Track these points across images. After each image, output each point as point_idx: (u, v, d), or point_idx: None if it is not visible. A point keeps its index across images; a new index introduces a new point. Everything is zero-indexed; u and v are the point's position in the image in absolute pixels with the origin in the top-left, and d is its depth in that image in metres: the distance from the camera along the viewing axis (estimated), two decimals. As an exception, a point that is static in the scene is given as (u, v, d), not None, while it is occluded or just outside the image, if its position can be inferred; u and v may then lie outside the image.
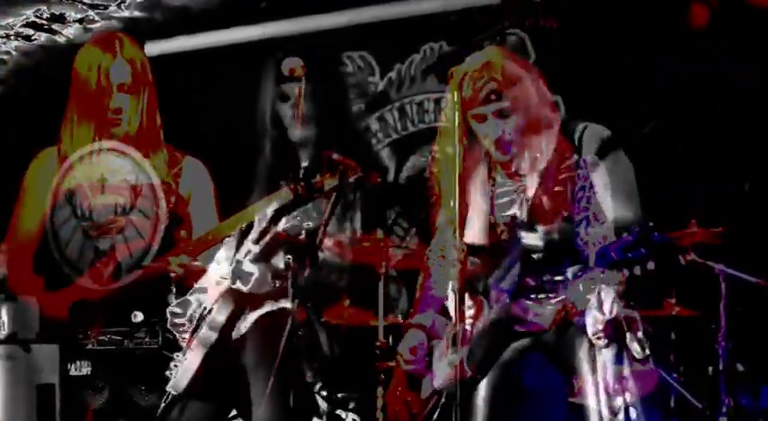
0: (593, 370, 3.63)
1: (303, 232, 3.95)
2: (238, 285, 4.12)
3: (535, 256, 3.68)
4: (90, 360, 4.21)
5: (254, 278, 4.14)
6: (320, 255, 3.88)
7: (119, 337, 4.20)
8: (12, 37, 6.20)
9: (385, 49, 6.60)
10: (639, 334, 3.65)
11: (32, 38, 6.25)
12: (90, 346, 4.19)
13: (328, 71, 5.61)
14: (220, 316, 4.15)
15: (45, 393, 4.03)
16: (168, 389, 4.11)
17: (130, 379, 4.24)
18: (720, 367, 5.09)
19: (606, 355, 3.63)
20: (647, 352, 3.66)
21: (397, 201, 6.43)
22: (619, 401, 3.58)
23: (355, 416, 5.67)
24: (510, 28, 6.18)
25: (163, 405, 4.10)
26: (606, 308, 3.52)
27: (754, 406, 5.29)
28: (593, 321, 3.57)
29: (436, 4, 6.24)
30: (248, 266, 4.12)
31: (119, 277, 4.30)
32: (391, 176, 6.51)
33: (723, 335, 5.08)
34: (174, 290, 4.24)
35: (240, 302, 4.21)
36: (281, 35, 6.30)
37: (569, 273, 3.59)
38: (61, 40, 6.25)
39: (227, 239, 4.44)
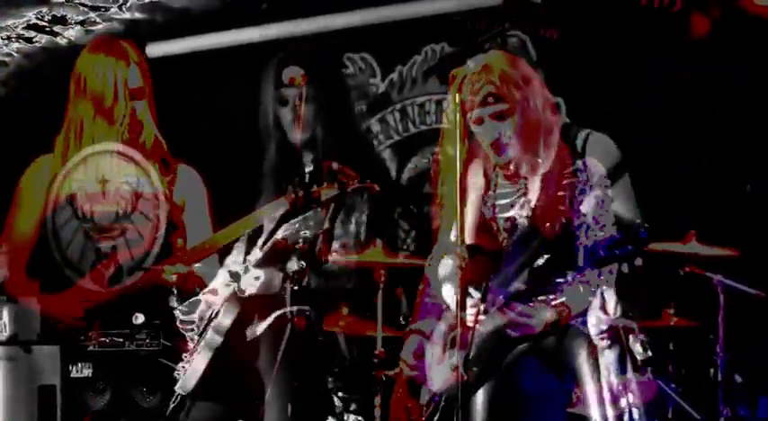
0: (595, 372, 3.63)
1: (301, 240, 3.97)
2: (245, 288, 4.15)
3: (537, 262, 3.67)
4: (91, 361, 4.21)
5: (260, 282, 4.17)
6: (321, 263, 3.90)
7: (120, 339, 4.20)
8: (13, 39, 6.18)
9: (386, 50, 6.60)
10: (641, 336, 3.66)
11: (34, 40, 6.24)
12: (91, 348, 4.20)
13: (330, 74, 5.60)
14: (226, 320, 4.18)
15: (46, 395, 4.04)
16: (177, 389, 4.14)
17: (131, 380, 4.24)
18: (719, 378, 5.09)
19: (608, 357, 3.64)
20: (650, 353, 3.67)
21: (399, 202, 6.42)
22: (623, 403, 3.59)
23: (358, 417, 5.66)
24: (511, 29, 6.18)
25: (172, 405, 4.13)
26: (610, 309, 3.52)
27: (752, 416, 5.28)
28: (597, 322, 3.57)
29: (438, 6, 6.23)
30: (254, 271, 4.15)
31: (119, 280, 4.31)
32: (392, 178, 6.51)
33: (721, 345, 5.08)
34: (176, 292, 4.25)
35: (246, 306, 4.23)
36: (282, 37, 6.29)
37: (569, 276, 3.60)
38: (62, 42, 6.24)
39: (236, 245, 4.47)
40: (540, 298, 3.72)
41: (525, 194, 3.88)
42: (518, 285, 3.71)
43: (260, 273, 4.15)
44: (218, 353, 4.15)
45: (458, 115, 3.77)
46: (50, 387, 4.06)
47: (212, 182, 4.65)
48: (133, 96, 4.37)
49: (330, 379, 5.34)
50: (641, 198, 3.82)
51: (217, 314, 4.20)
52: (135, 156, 4.38)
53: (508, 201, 3.93)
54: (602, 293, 3.54)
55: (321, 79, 5.04)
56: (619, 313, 3.53)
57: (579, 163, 3.77)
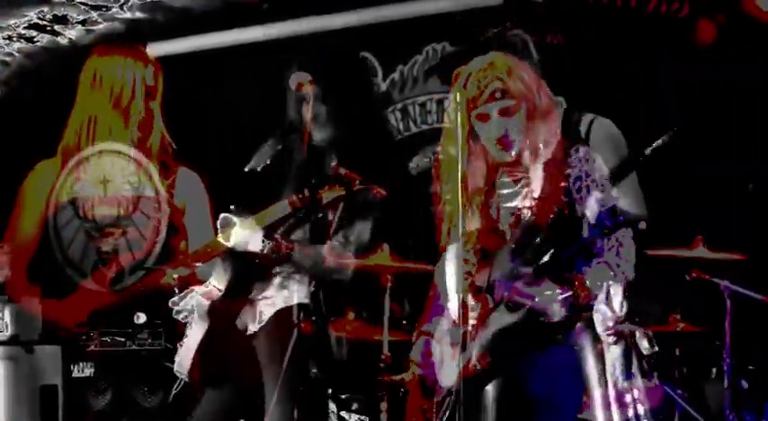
0: (602, 376, 3.63)
1: (299, 242, 3.98)
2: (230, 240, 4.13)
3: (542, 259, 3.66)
4: (93, 361, 4.20)
5: (244, 240, 4.16)
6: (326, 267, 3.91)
7: (121, 339, 4.20)
8: (14, 38, 6.19)
9: (387, 50, 6.60)
10: (648, 331, 3.66)
11: (35, 39, 6.24)
12: (92, 348, 4.19)
13: (351, 74, 5.62)
14: (216, 283, 4.17)
15: (48, 395, 4.03)
16: (175, 371, 4.14)
17: (133, 380, 4.24)
18: (725, 383, 5.09)
19: (614, 352, 3.63)
20: (656, 348, 3.67)
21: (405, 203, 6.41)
22: (629, 408, 3.58)
23: (360, 417, 5.67)
24: (512, 29, 6.18)
25: (174, 391, 4.13)
26: (616, 305, 3.51)
27: (758, 421, 5.30)
28: (603, 318, 3.56)
29: (439, 5, 6.24)
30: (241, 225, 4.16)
31: (121, 281, 4.31)
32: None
33: (728, 351, 5.09)
34: (177, 292, 4.25)
35: (236, 267, 4.22)
36: (283, 36, 6.29)
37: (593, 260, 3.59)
38: (64, 41, 6.24)
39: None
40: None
41: (529, 185, 3.86)
42: (525, 277, 3.69)
43: (246, 231, 4.14)
44: (211, 326, 4.13)
45: (460, 114, 3.76)
46: (52, 387, 4.05)
47: (213, 182, 4.65)
48: (149, 94, 4.38)
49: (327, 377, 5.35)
50: (647, 203, 3.81)
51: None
52: (137, 158, 4.38)
53: (511, 196, 3.92)
54: (608, 288, 3.53)
55: (339, 79, 5.04)
56: (625, 310, 3.52)
57: (581, 152, 3.74)
